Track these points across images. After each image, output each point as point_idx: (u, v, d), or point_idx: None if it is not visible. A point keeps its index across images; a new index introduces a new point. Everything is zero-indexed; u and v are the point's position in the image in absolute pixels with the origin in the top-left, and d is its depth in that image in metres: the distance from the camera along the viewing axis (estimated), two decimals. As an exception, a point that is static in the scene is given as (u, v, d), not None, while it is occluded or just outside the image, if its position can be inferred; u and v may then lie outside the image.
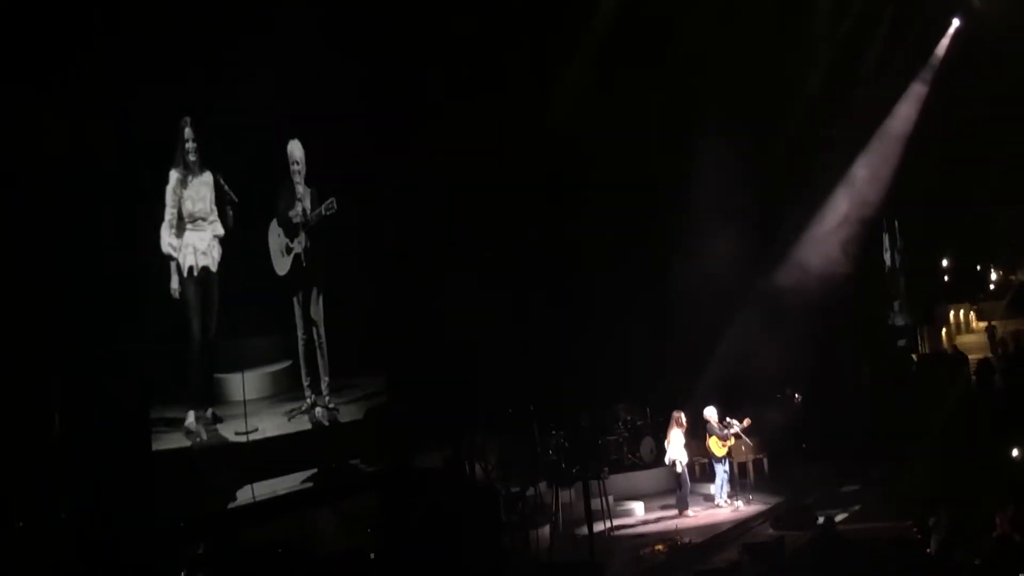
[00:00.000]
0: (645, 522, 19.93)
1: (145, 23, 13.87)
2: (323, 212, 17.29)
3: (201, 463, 14.64)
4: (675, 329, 23.81)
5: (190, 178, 15.00)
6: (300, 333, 17.02)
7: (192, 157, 14.99)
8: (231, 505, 14.99)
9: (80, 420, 12.89)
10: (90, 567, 12.65)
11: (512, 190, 20.35)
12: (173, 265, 14.62)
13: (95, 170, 13.34)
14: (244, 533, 14.80)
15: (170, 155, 14.78)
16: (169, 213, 14.66)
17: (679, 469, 20.12)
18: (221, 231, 15.33)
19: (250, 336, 16.06)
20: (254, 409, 15.84)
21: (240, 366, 15.66)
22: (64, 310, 12.98)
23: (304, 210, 17.09)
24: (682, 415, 20.44)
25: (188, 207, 14.93)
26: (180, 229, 14.79)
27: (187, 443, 14.51)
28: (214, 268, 15.19)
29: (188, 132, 14.94)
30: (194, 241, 14.97)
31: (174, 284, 14.61)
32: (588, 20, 21.75)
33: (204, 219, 15.17)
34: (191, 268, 14.86)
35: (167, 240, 14.60)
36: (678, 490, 20.27)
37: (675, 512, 20.14)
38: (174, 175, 14.78)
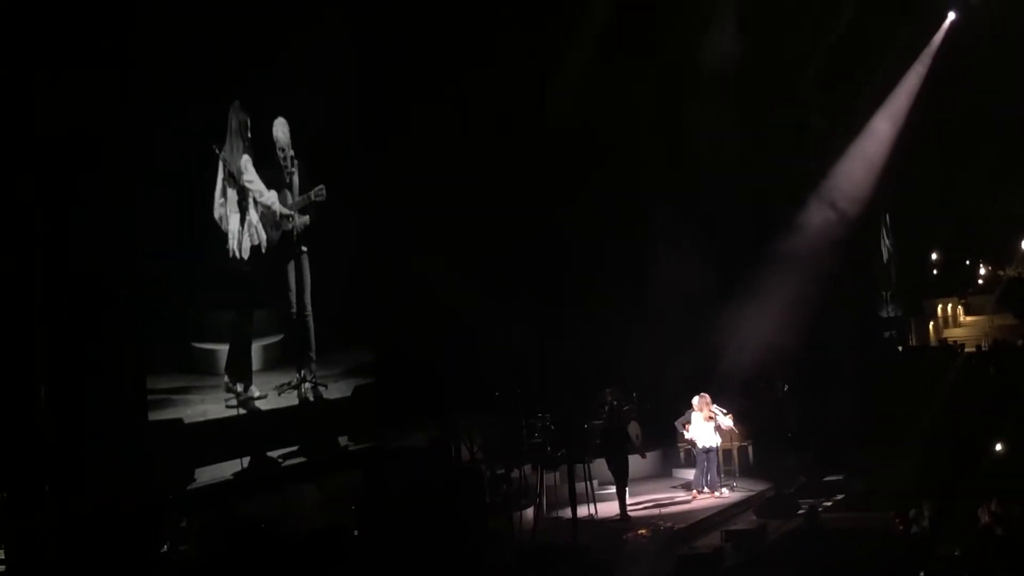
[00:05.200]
0: (630, 506, 19.94)
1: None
2: (312, 198, 17.34)
3: (193, 435, 14.67)
4: (664, 316, 23.83)
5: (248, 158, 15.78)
6: (292, 308, 17.05)
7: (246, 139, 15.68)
8: (218, 479, 15.00)
9: (69, 389, 12.86)
10: (73, 539, 12.63)
11: (504, 174, 20.36)
12: (234, 240, 15.36)
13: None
14: (228, 508, 14.81)
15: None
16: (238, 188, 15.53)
17: (704, 447, 20.26)
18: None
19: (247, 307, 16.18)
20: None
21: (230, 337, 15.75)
22: (57, 279, 12.99)
23: (293, 184, 17.11)
24: (707, 397, 20.46)
25: (249, 185, 15.66)
26: (243, 207, 15.56)
27: (185, 413, 14.64)
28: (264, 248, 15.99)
29: (245, 115, 15.58)
30: (252, 218, 15.71)
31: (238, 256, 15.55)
32: (585, 8, 21.73)
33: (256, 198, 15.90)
34: (250, 246, 15.67)
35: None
36: (706, 473, 20.36)
37: (679, 495, 20.51)
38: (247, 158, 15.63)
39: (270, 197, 16.23)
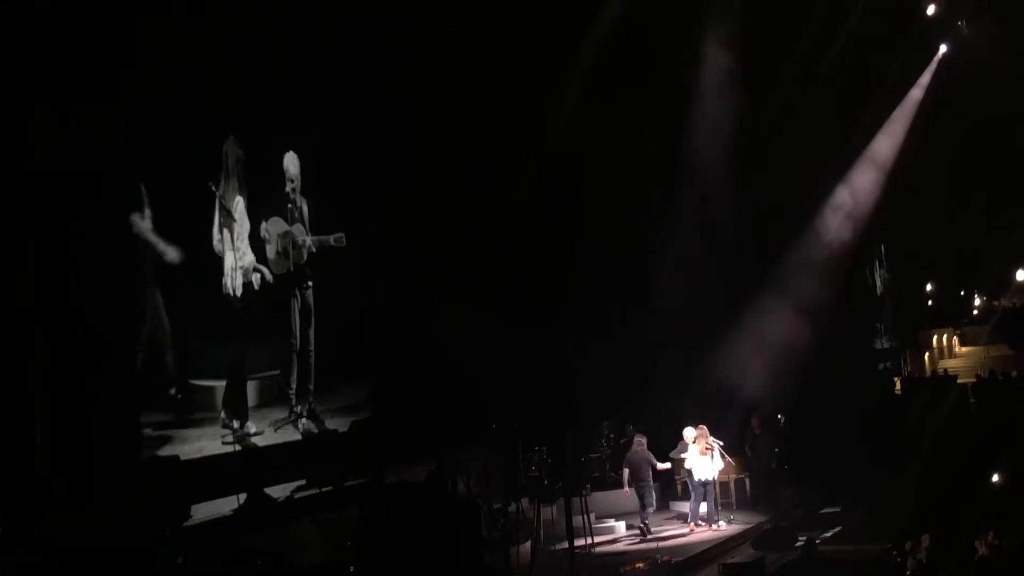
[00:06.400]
0: (627, 539, 19.94)
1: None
2: (331, 242, 17.40)
3: (189, 471, 14.66)
4: (660, 349, 23.89)
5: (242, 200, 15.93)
6: (292, 340, 17.05)
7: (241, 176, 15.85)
8: (215, 516, 14.97)
9: (66, 425, 12.86)
10: (69, 574, 12.60)
11: (500, 208, 20.43)
12: (228, 277, 15.50)
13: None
14: (225, 544, 14.78)
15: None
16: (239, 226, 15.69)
17: (701, 479, 20.22)
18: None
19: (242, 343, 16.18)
20: (239, 418, 15.93)
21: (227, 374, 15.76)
22: (54, 316, 13.01)
23: (304, 217, 17.14)
24: (705, 429, 20.44)
25: (240, 226, 15.76)
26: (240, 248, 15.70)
27: (182, 450, 14.65)
28: (256, 286, 16.04)
29: (240, 151, 15.70)
30: (245, 259, 15.86)
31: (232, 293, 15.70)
32: (581, 40, 21.85)
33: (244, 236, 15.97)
34: (243, 283, 15.77)
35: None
36: (700, 502, 20.34)
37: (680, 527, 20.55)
38: (240, 200, 15.72)
39: (247, 260, 16.14)
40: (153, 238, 14.68)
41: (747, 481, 22.10)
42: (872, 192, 27.35)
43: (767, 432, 22.98)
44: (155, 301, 14.73)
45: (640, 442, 20.64)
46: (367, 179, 18.82)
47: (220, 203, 15.40)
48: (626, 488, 20.30)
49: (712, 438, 20.37)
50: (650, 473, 20.31)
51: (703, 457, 20.19)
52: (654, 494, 20.41)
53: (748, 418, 23.24)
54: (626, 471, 20.43)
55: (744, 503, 21.79)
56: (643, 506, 20.19)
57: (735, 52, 23.43)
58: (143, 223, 14.55)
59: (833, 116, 26.29)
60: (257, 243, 16.33)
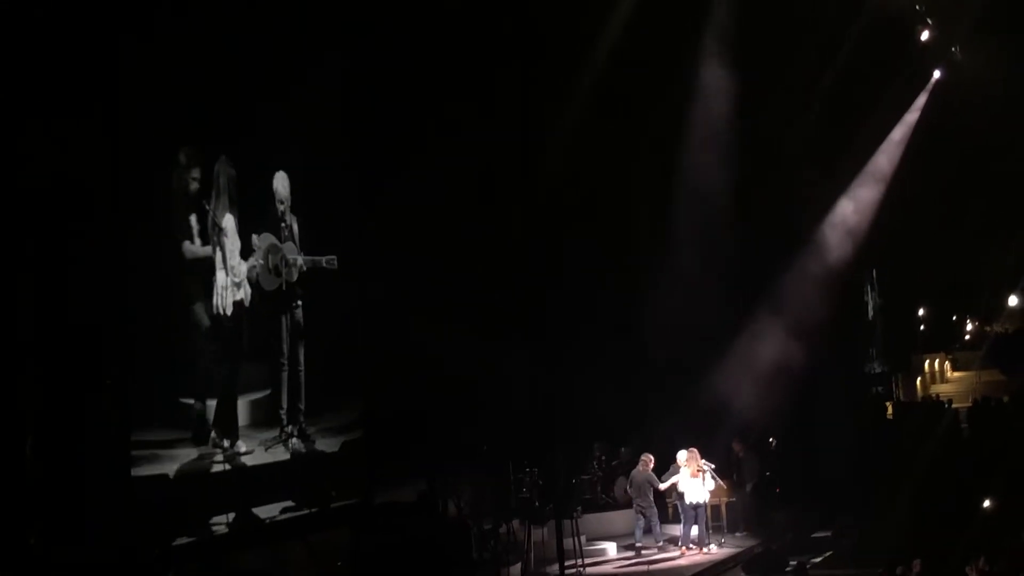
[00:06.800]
0: (616, 562, 19.89)
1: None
2: (324, 264, 17.38)
3: (179, 490, 14.60)
4: (653, 371, 23.87)
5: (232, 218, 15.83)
6: (282, 360, 17.00)
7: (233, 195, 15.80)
8: (206, 534, 14.91)
9: (57, 442, 12.82)
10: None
11: (493, 230, 20.45)
12: (219, 296, 15.40)
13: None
14: (213, 563, 14.73)
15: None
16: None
17: (693, 502, 20.20)
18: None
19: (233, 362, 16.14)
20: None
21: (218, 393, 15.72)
22: (45, 334, 12.97)
23: (295, 235, 17.13)
24: (696, 452, 20.41)
25: (231, 244, 15.74)
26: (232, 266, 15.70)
27: (172, 468, 14.54)
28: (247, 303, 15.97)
29: (231, 169, 15.64)
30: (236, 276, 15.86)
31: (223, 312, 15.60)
32: (576, 66, 21.89)
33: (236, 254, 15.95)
34: (233, 301, 15.69)
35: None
36: (692, 525, 20.30)
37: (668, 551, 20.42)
38: (230, 217, 15.68)
39: (239, 276, 16.14)
40: (201, 252, 15.02)
41: (738, 505, 22.06)
42: (864, 216, 27.37)
43: (751, 455, 22.94)
44: (193, 318, 14.92)
45: (646, 461, 20.64)
46: (360, 196, 18.78)
47: (212, 221, 15.37)
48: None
49: (703, 461, 20.34)
50: (651, 493, 20.31)
51: (694, 480, 20.15)
52: (655, 510, 20.41)
53: (738, 442, 23.20)
54: (628, 487, 20.44)
55: (735, 526, 21.74)
56: (648, 523, 20.24)
57: (732, 74, 23.48)
58: (194, 246, 14.85)
59: (827, 142, 26.33)
60: (249, 260, 16.33)
